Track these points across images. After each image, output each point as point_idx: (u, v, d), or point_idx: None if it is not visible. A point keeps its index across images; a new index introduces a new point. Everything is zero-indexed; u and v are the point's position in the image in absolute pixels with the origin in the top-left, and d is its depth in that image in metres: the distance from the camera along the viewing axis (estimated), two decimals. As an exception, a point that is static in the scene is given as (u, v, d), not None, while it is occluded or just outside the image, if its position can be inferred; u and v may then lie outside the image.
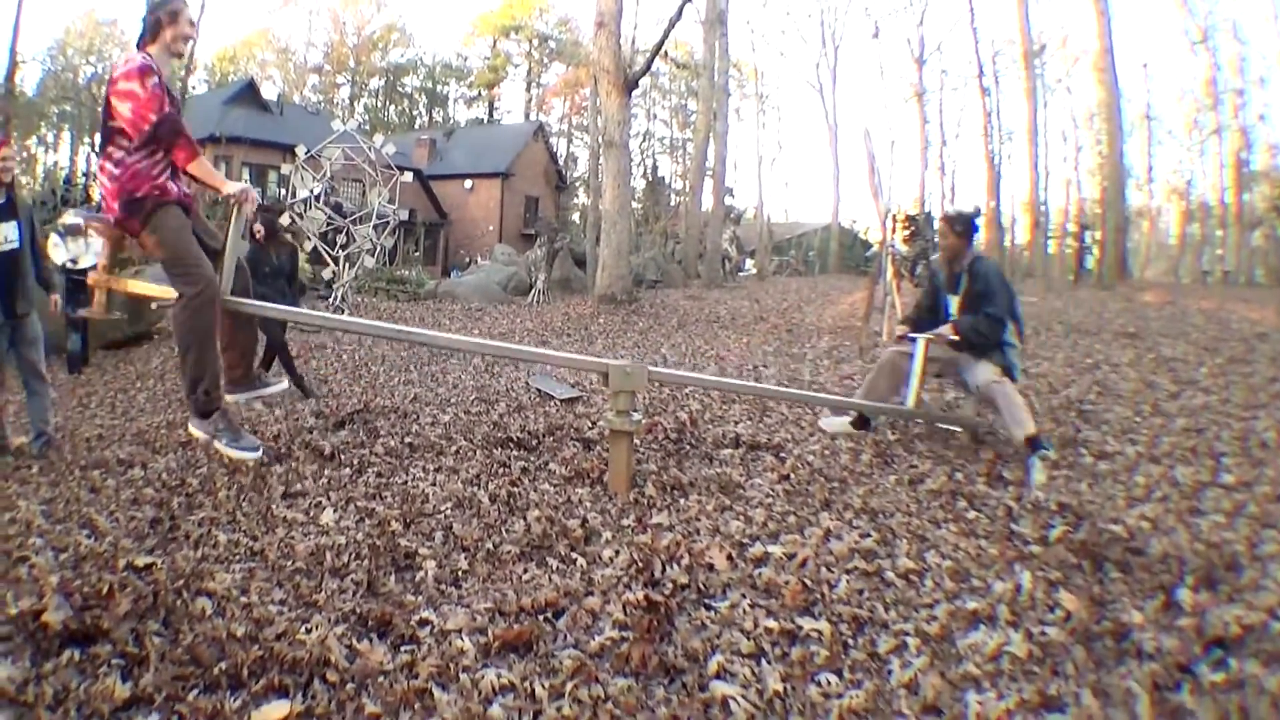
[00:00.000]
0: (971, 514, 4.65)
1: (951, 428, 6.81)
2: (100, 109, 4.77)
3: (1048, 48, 46.63)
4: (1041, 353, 11.06)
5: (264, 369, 8.40)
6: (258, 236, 8.73)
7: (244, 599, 3.43)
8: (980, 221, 7.19)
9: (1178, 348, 11.30)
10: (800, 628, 3.20)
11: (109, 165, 4.65)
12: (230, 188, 4.93)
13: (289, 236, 11.37)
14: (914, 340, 6.39)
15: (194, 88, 51.27)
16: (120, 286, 5.26)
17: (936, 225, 7.05)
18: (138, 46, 4.79)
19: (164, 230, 4.69)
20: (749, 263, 45.13)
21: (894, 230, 23.37)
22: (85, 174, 35.32)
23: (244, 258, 5.87)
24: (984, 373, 6.07)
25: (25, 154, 51.77)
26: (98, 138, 5.15)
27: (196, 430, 5.05)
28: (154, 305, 10.03)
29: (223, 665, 2.81)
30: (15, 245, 6.67)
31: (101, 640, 2.93)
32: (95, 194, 33.19)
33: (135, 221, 4.66)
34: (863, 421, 6.64)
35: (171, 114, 4.58)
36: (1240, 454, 6.06)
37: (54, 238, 5.23)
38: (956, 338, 6.17)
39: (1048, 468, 5.60)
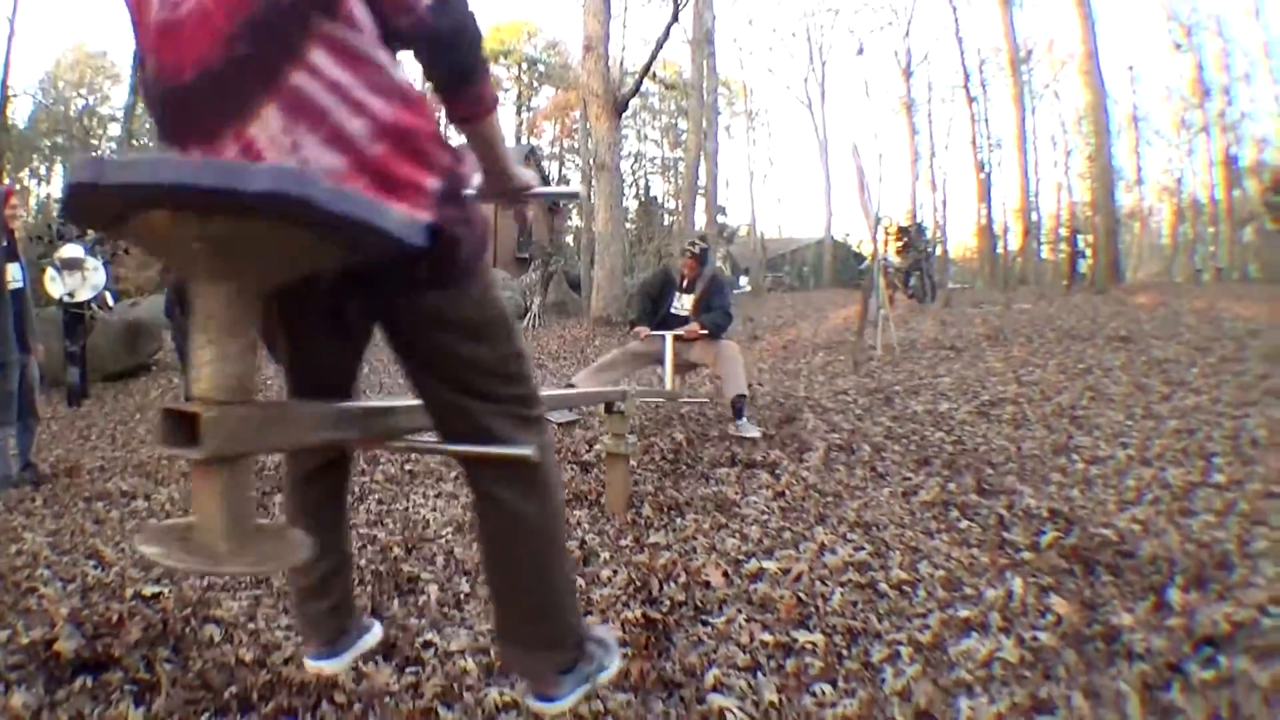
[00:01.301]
0: (964, 523, 4.69)
1: (696, 401, 8.71)
2: None
3: (1034, 53, 46.87)
4: (1034, 360, 11.08)
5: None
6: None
7: (251, 625, 3.50)
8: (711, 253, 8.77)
9: (1170, 349, 11.33)
10: (795, 640, 3.25)
11: None
12: None
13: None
14: (664, 337, 7.71)
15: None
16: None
17: (687, 250, 8.17)
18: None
19: None
20: (744, 280, 45.23)
21: (886, 243, 23.47)
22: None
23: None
24: (727, 349, 7.70)
25: (18, 186, 51.87)
26: None
27: None
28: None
29: (233, 690, 2.88)
30: (21, 284, 6.82)
31: (113, 667, 2.99)
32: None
33: None
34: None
35: None
36: (1231, 453, 6.08)
37: (50, 272, 5.30)
38: (704, 332, 7.67)
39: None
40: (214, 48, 1.52)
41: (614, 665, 2.12)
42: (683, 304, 7.98)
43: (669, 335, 7.70)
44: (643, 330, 7.86)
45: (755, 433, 7.11)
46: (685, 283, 8.05)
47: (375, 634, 2.46)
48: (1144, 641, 3.06)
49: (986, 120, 45.61)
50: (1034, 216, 44.68)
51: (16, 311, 6.77)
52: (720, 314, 7.90)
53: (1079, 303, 20.08)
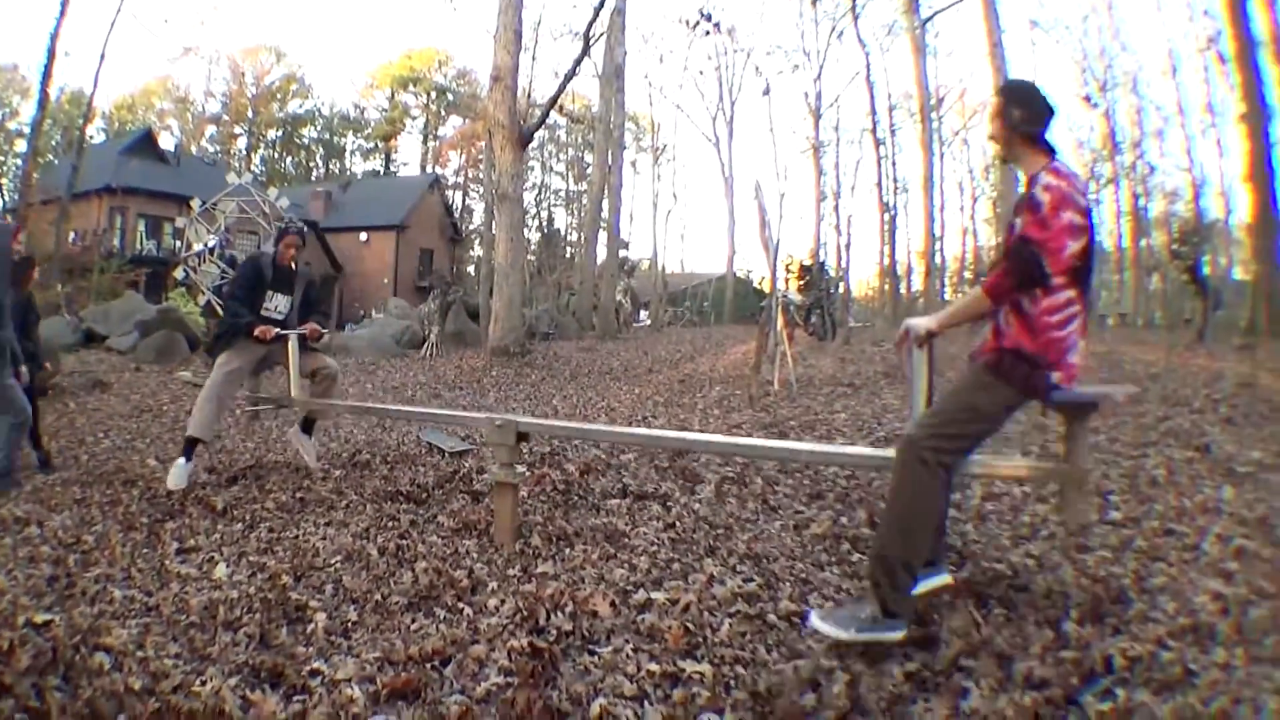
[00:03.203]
0: (855, 556, 4.80)
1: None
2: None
3: (945, 100, 47.75)
4: (932, 398, 11.26)
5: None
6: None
7: (140, 653, 3.52)
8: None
9: (1070, 390, 11.45)
10: (683, 670, 3.33)
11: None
12: None
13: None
14: (287, 337, 7.46)
15: (91, 137, 50.44)
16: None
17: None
18: None
19: None
20: (644, 314, 45.38)
21: (787, 280, 23.74)
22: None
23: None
24: (323, 358, 7.75)
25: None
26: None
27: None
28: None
29: (121, 718, 2.92)
30: None
31: (3, 695, 3.00)
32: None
33: None
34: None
35: None
36: (1128, 491, 6.20)
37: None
38: (325, 334, 7.75)
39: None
40: None
41: None
42: (277, 305, 7.57)
43: (294, 335, 7.50)
44: (267, 330, 7.29)
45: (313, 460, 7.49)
46: (276, 279, 7.60)
47: None
48: (1039, 672, 3.17)
49: (894, 163, 46.47)
50: (938, 258, 45.45)
51: None
52: (322, 317, 7.91)
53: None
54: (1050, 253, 3.48)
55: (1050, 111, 3.75)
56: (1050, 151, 3.71)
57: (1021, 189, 3.83)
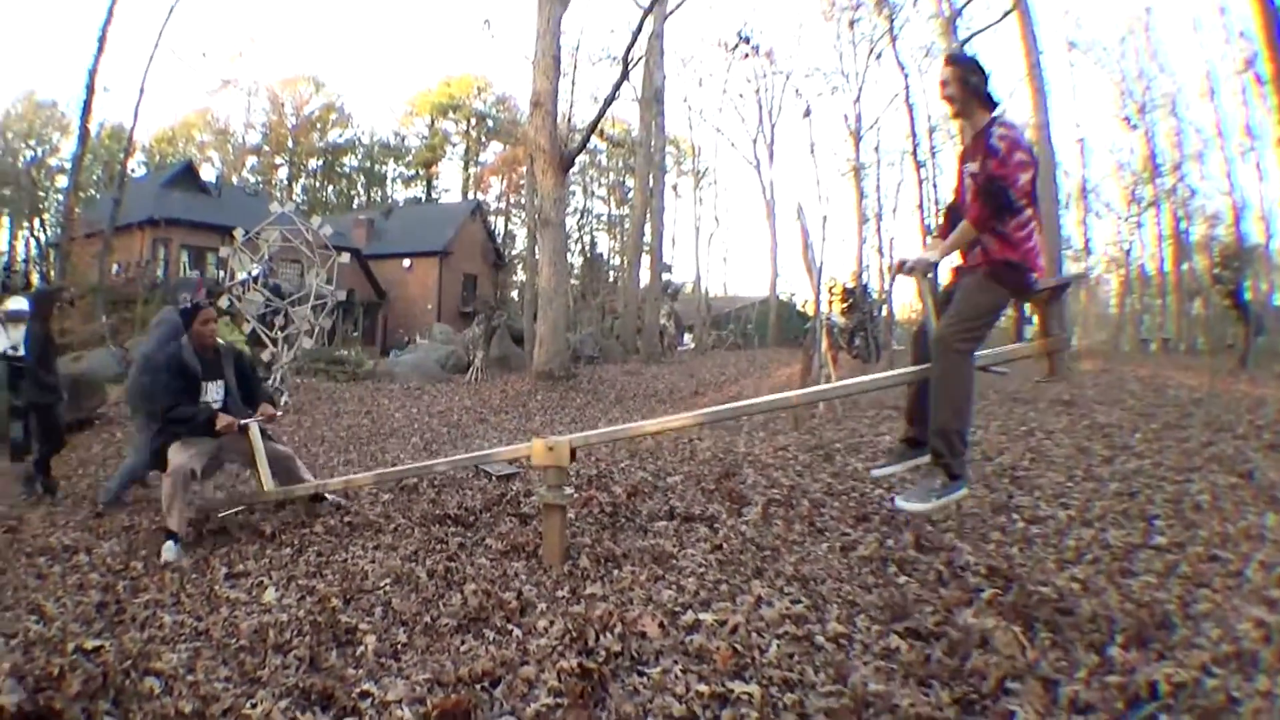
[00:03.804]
0: (902, 579, 4.73)
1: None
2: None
3: (985, 122, 47.38)
4: (976, 421, 11.14)
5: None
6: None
7: (190, 677, 3.53)
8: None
9: (1112, 414, 11.38)
10: (731, 691, 3.29)
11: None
12: None
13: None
14: (248, 427, 6.92)
15: (133, 170, 51.04)
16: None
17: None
18: None
19: None
20: (687, 337, 45.33)
21: (831, 303, 23.62)
22: (25, 260, 34.85)
23: None
24: (281, 446, 7.42)
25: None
26: None
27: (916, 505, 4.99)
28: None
29: (172, 740, 2.93)
30: None
31: (54, 720, 3.03)
32: (35, 280, 32.93)
33: None
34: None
35: None
36: (1173, 516, 6.11)
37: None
38: (279, 412, 7.75)
39: None
40: None
41: None
42: (212, 396, 6.99)
43: (254, 424, 7.00)
44: (232, 422, 6.82)
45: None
46: (205, 368, 7.01)
47: None
48: (1084, 696, 3.12)
49: (935, 185, 46.07)
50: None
51: None
52: (267, 392, 7.75)
53: (1023, 366, 20.23)
54: (1012, 184, 4.70)
55: (988, 75, 4.93)
56: (994, 105, 4.93)
57: (969, 139, 5.05)
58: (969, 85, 4.89)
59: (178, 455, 6.59)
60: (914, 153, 41.03)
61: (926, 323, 5.23)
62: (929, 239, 5.18)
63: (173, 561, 6.16)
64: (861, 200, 47.88)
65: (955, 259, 5.25)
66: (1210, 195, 58.10)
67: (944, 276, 6.06)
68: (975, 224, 4.80)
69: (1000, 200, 4.70)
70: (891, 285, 25.05)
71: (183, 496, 6.47)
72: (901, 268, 5.24)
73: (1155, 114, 47.11)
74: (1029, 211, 4.81)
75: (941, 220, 5.59)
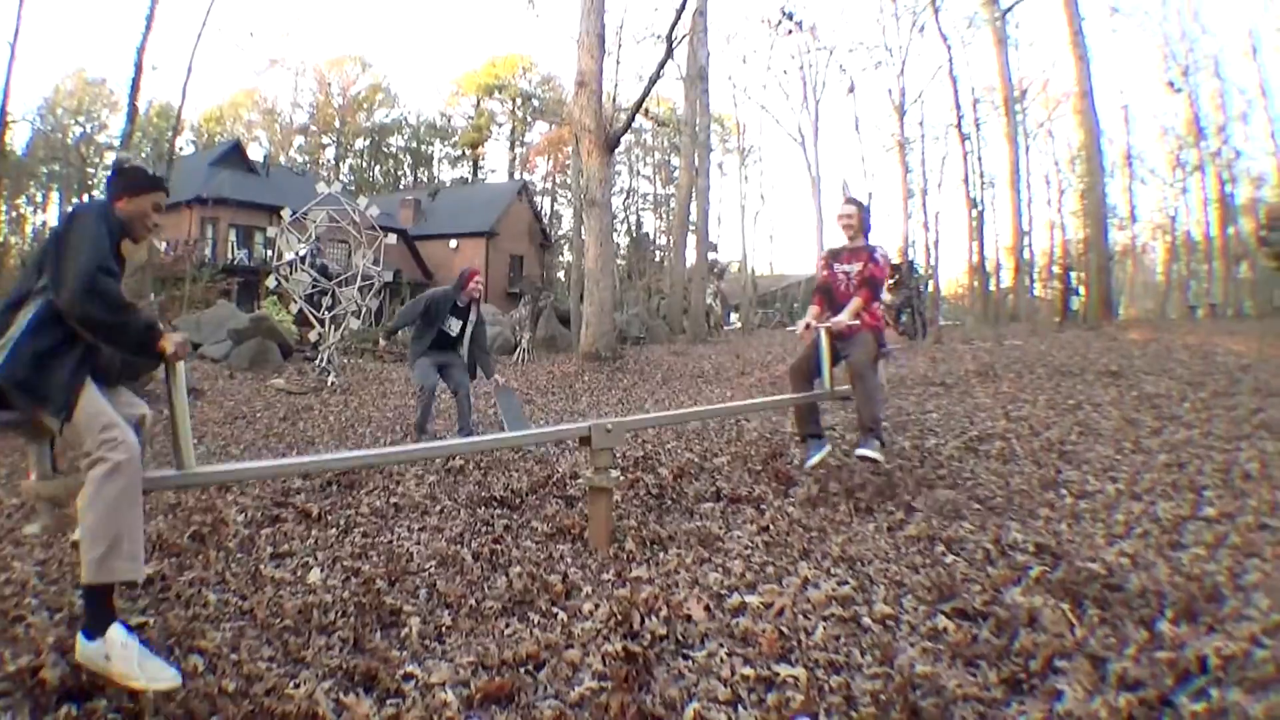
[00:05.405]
0: (949, 558, 4.71)
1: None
2: None
3: (1029, 92, 46.85)
4: (1023, 395, 11.06)
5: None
6: None
7: (234, 656, 3.52)
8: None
9: (1160, 384, 11.34)
10: (777, 674, 3.28)
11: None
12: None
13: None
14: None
15: (181, 149, 51.43)
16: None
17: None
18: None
19: None
20: (734, 316, 45.22)
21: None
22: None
23: None
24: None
25: (15, 214, 51.49)
26: None
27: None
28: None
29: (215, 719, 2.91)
30: None
31: (97, 696, 3.03)
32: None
33: None
34: None
35: None
36: (1222, 486, 6.11)
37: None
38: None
39: None
40: None
41: None
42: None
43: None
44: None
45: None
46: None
47: None
48: (1133, 672, 3.09)
49: (980, 158, 45.52)
50: (1026, 254, 44.56)
51: None
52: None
53: (1070, 339, 20.03)
54: (881, 281, 7.25)
55: (871, 216, 7.62)
56: (869, 232, 7.42)
57: (849, 252, 7.32)
58: (864, 220, 7.32)
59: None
60: (959, 125, 40.55)
61: (816, 364, 7.19)
62: (810, 310, 6.52)
63: None
64: (906, 175, 47.47)
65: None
66: (1255, 156, 57.44)
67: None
68: (865, 302, 7.00)
69: (876, 290, 7.19)
70: (912, 275, 24.62)
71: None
72: (825, 323, 7.10)
73: (1198, 76, 46.42)
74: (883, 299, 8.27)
75: (817, 296, 7.45)
